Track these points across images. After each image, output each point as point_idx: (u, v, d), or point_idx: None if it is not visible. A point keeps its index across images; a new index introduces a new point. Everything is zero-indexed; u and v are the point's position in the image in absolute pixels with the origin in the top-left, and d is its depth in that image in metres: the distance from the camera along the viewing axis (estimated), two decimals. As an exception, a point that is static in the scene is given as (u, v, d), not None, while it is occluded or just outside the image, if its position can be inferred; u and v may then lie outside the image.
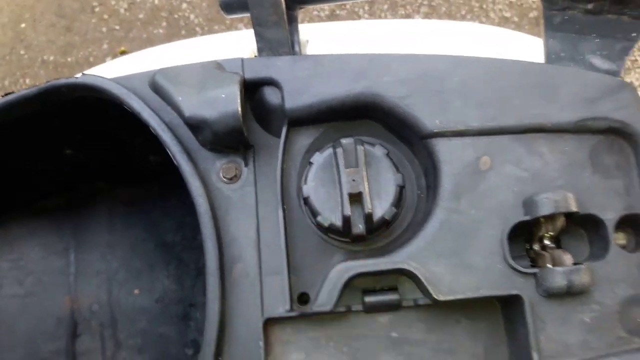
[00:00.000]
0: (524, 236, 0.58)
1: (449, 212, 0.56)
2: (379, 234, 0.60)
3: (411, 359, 0.59)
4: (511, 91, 0.58)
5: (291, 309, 0.57)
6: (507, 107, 0.58)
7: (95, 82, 0.63)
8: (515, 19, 2.12)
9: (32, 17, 2.23)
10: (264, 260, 0.60)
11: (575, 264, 0.55)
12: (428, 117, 0.58)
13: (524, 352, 0.55)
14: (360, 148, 0.58)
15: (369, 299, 0.58)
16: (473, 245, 0.56)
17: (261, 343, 0.57)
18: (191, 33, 2.20)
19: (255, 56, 0.66)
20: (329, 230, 0.59)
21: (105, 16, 2.23)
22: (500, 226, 0.56)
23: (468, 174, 0.57)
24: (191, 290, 0.95)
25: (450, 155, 0.58)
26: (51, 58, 2.15)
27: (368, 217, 0.56)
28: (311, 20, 2.15)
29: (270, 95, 0.63)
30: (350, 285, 0.58)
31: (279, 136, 0.62)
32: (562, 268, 0.53)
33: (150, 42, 2.18)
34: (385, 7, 2.15)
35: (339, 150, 0.58)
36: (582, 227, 0.59)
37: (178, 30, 2.20)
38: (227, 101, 0.57)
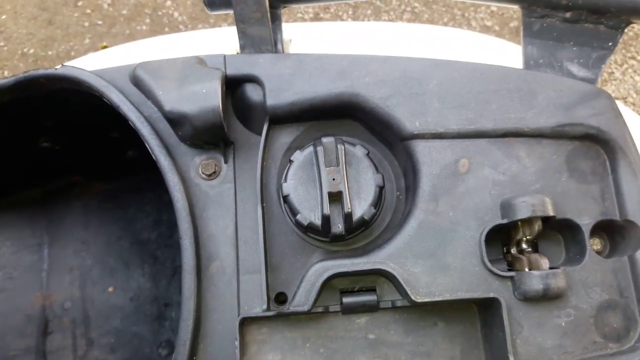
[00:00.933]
0: (501, 239, 0.59)
1: (427, 214, 0.56)
2: (358, 234, 0.60)
3: None
4: (490, 95, 0.59)
5: (268, 309, 0.57)
6: (486, 110, 0.58)
7: (74, 74, 0.63)
8: (497, 27, 2.15)
9: (13, 9, 2.20)
10: (242, 258, 0.59)
11: (551, 268, 0.56)
12: (408, 119, 0.58)
13: (501, 355, 0.55)
14: (340, 147, 0.58)
15: (347, 299, 0.58)
16: (451, 247, 0.56)
17: (237, 343, 0.57)
18: (174, 31, 2.18)
19: (237, 53, 0.66)
20: (308, 229, 0.58)
21: (88, 11, 2.21)
22: (478, 228, 0.56)
23: (446, 176, 0.58)
24: (166, 289, 0.94)
25: (429, 157, 0.58)
26: (31, 51, 2.12)
27: (347, 217, 0.56)
28: (295, 22, 2.15)
29: (252, 92, 0.62)
30: (328, 285, 0.58)
31: (259, 133, 0.62)
32: (539, 272, 0.54)
33: (133, 38, 2.16)
34: (369, 12, 2.17)
35: (320, 149, 0.58)
36: (558, 231, 0.59)
37: (161, 27, 2.18)
38: (208, 96, 0.57)
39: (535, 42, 0.63)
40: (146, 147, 0.62)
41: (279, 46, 0.66)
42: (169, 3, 2.23)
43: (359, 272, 0.57)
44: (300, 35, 0.72)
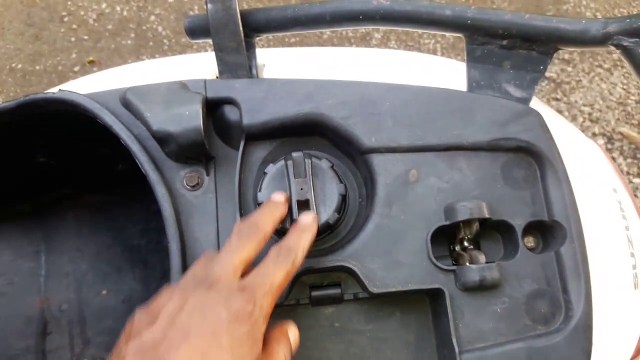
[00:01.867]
0: (447, 238, 0.66)
1: (382, 217, 0.64)
2: (325, 236, 0.67)
3: (351, 346, 0.66)
4: (435, 115, 0.66)
5: None
6: (432, 128, 0.66)
7: (71, 98, 0.68)
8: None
9: (0, 24, 2.24)
10: None
11: (488, 262, 0.63)
12: (365, 135, 0.65)
13: (446, 338, 0.62)
14: (308, 161, 0.64)
15: (315, 293, 0.65)
16: (402, 246, 0.63)
17: None
18: (159, 45, 2.23)
19: (217, 77, 0.72)
20: (281, 232, 0.64)
21: (74, 26, 2.25)
22: (425, 229, 0.63)
23: (398, 185, 0.65)
24: (156, 291, 0.94)
25: (384, 168, 0.65)
26: (19, 66, 2.16)
27: None
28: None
29: (230, 113, 0.68)
30: (299, 281, 0.64)
31: (237, 149, 0.68)
32: (476, 266, 0.61)
33: (118, 52, 2.21)
34: (348, 24, 2.24)
35: (290, 163, 0.64)
36: (497, 231, 0.67)
37: (146, 41, 2.23)
38: (190, 117, 0.63)
39: (477, 66, 0.70)
40: (134, 162, 0.67)
41: (254, 71, 0.72)
42: (153, 18, 2.28)
43: (324, 269, 0.63)
44: (272, 60, 0.79)
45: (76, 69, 2.16)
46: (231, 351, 0.46)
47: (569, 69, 2.30)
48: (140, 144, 0.67)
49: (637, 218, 0.78)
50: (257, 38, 0.74)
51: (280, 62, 0.79)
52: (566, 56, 2.31)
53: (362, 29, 2.22)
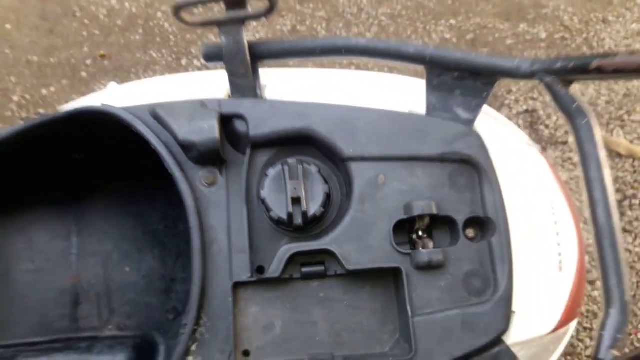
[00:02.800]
0: (408, 229, 0.82)
1: (357, 212, 0.80)
2: (313, 226, 0.82)
3: (332, 311, 0.82)
4: (399, 133, 0.82)
5: (251, 276, 0.78)
6: (395, 143, 0.81)
7: (112, 111, 0.82)
8: (455, 40, 2.33)
9: (16, 19, 2.32)
10: (233, 242, 0.79)
11: (435, 248, 0.80)
12: (345, 147, 0.81)
13: (404, 306, 0.79)
14: (300, 166, 0.80)
15: (305, 270, 0.81)
16: (372, 234, 0.79)
17: (230, 299, 0.77)
18: (165, 40, 2.34)
19: (229, 96, 0.87)
20: (278, 222, 0.80)
21: (86, 21, 2.35)
22: (389, 222, 0.79)
23: (370, 187, 0.80)
24: (172, 268, 1.10)
25: (359, 173, 0.80)
26: (35, 59, 2.26)
27: (304, 214, 0.78)
28: (274, 34, 2.35)
29: (239, 126, 0.83)
30: (292, 260, 0.80)
31: (245, 154, 0.83)
32: (426, 250, 0.78)
33: (127, 47, 2.32)
34: (341, 25, 2.37)
35: (286, 167, 0.80)
36: (446, 224, 0.83)
37: (153, 37, 2.34)
38: (209, 130, 0.77)
39: (434, 92, 0.85)
40: (156, 160, 0.79)
41: (258, 92, 0.87)
42: (159, 15, 2.39)
43: (312, 251, 0.79)
44: (272, 81, 0.93)
45: (88, 62, 2.28)
46: None
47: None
48: (167, 149, 0.81)
49: (568, 213, 0.92)
50: (261, 63, 0.89)
51: (279, 81, 0.94)
52: (544, 58, 2.44)
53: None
